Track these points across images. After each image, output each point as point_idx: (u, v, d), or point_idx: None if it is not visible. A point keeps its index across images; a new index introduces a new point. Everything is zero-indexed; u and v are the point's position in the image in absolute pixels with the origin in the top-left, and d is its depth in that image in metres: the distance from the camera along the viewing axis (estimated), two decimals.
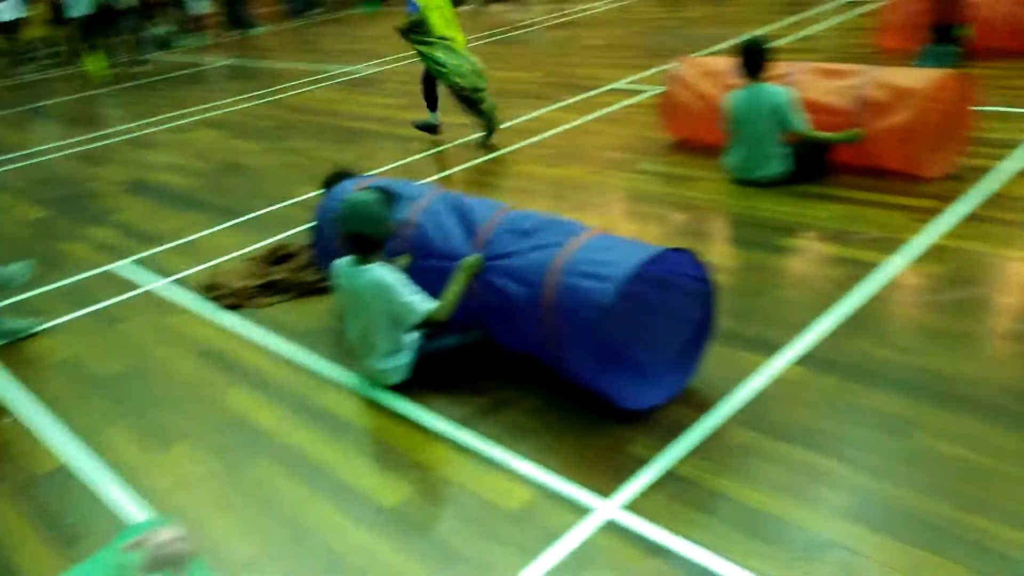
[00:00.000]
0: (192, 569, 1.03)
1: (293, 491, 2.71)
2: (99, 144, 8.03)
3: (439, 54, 6.09)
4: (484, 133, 6.37)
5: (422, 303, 3.02)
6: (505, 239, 3.11)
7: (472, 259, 3.08)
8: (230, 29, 15.53)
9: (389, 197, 3.11)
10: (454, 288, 3.06)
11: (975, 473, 2.43)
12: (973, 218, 4.09)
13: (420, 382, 3.18)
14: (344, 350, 3.46)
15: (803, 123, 4.64)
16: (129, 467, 2.94)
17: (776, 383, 2.98)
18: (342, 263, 3.16)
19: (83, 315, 4.23)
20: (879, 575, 2.13)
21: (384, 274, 3.02)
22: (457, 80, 6.10)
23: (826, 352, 3.13)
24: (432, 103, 6.64)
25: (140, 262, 4.84)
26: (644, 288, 3.12)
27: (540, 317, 2.86)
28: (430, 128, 6.67)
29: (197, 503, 2.71)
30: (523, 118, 7.05)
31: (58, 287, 4.62)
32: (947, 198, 4.35)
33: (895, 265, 3.71)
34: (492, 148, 6.29)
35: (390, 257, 3.22)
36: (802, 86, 4.92)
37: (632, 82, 7.86)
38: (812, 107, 4.80)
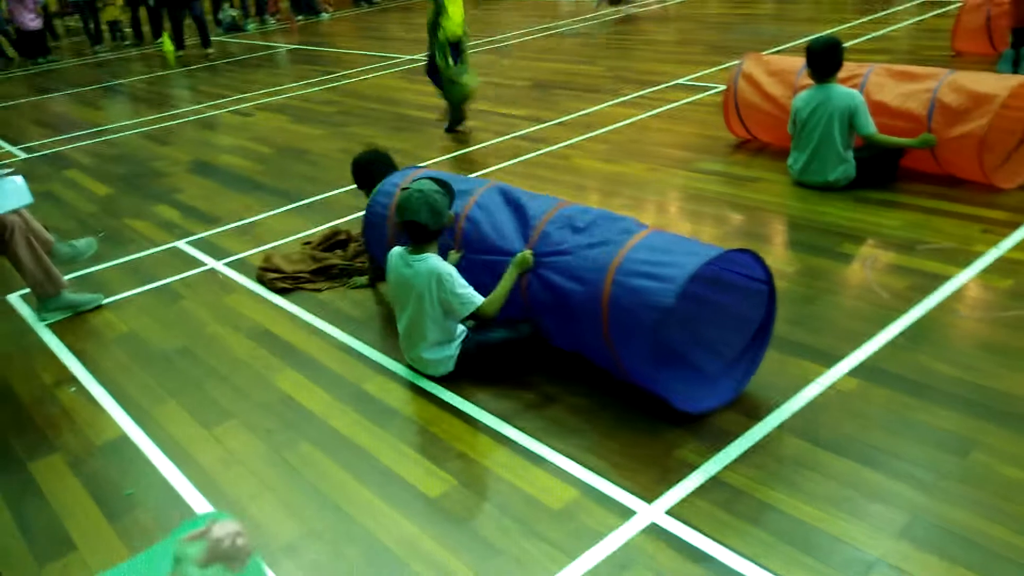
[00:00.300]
0: (249, 565, 1.05)
1: (337, 475, 2.75)
2: (166, 124, 8.25)
3: (453, 71, 6.53)
4: (449, 121, 6.81)
5: (472, 296, 3.03)
6: (560, 235, 3.09)
7: (523, 255, 3.08)
8: (296, 14, 15.77)
9: (448, 188, 3.12)
10: (504, 283, 3.06)
11: None
12: None
13: (467, 375, 3.19)
14: (393, 339, 3.49)
15: (873, 127, 4.50)
16: (179, 442, 3.02)
17: (830, 393, 2.90)
18: (396, 252, 3.18)
19: (144, 291, 4.36)
20: None
21: (438, 264, 3.03)
22: (460, 97, 6.63)
23: (883, 364, 3.04)
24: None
25: (201, 241, 4.96)
26: (704, 289, 3.08)
27: (596, 315, 2.83)
28: (456, 122, 6.89)
29: (242, 481, 2.77)
30: (581, 112, 7.00)
31: (121, 263, 4.77)
32: (1022, 211, 4.17)
33: (960, 277, 3.58)
34: (458, 133, 6.70)
35: (443, 251, 3.23)
36: (873, 88, 4.77)
37: (696, 79, 7.74)
38: (883, 110, 4.65)
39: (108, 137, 7.94)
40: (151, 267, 4.66)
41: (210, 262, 4.64)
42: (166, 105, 9.23)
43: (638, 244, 2.85)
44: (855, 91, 4.55)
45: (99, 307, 4.20)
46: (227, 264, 4.58)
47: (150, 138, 7.74)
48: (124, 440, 3.07)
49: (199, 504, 2.68)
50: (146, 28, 14.76)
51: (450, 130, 6.81)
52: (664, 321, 2.65)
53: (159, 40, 13.37)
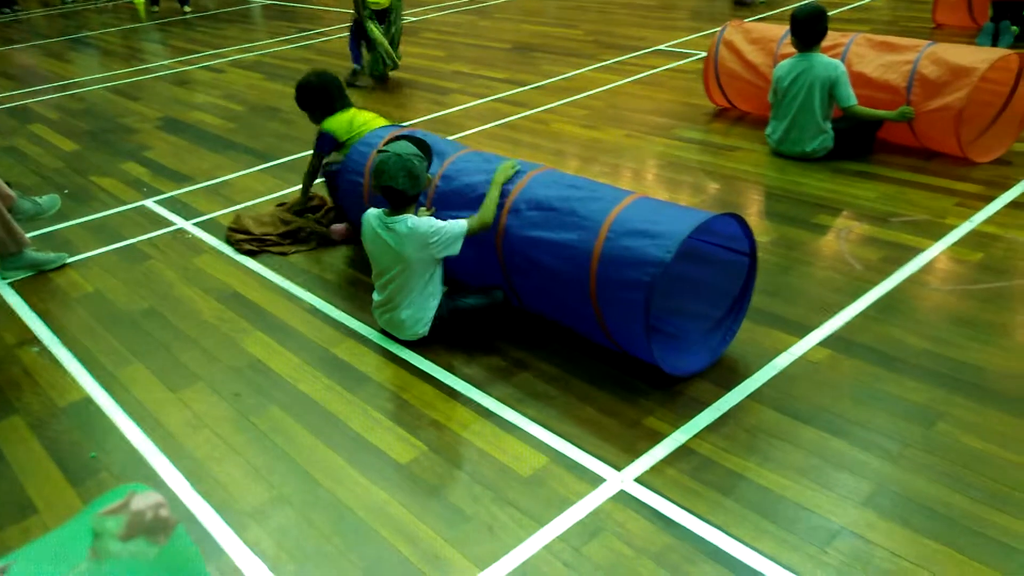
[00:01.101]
0: (173, 536, 1.01)
1: (306, 440, 2.72)
2: (136, 79, 8.03)
3: (379, 33, 6.94)
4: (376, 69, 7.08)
5: (458, 227, 3.01)
6: (545, 191, 3.03)
7: (506, 165, 3.09)
8: None
9: (426, 149, 3.08)
10: (491, 195, 3.07)
11: (998, 468, 2.37)
12: (1015, 206, 3.95)
13: (440, 340, 3.17)
14: (364, 302, 3.45)
15: (854, 99, 4.48)
16: (144, 405, 2.97)
17: (801, 363, 2.92)
18: (372, 215, 3.13)
19: (110, 251, 4.26)
20: (890, 564, 2.09)
21: (417, 223, 2.99)
22: (381, 62, 7.02)
23: (854, 335, 3.05)
24: (356, 58, 7.18)
25: (170, 200, 4.86)
26: (681, 265, 3.06)
27: (583, 274, 2.78)
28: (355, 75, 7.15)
29: (208, 445, 2.73)
30: (561, 76, 6.91)
31: (87, 221, 4.65)
32: (996, 184, 4.20)
33: (933, 250, 3.60)
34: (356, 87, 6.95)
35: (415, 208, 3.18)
36: (854, 59, 4.74)
37: (677, 45, 7.66)
38: (864, 82, 4.64)
39: (75, 91, 7.71)
40: (118, 226, 4.56)
41: (179, 222, 4.54)
42: (136, 60, 8.98)
43: (631, 204, 2.81)
44: (837, 61, 4.52)
45: (63, 266, 4.10)
46: (196, 224, 4.49)
47: (119, 93, 7.54)
48: (88, 402, 3.02)
49: (164, 467, 2.64)
50: None
51: (351, 84, 6.99)
52: (662, 277, 2.61)
53: None
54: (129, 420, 2.89)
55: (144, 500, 1.00)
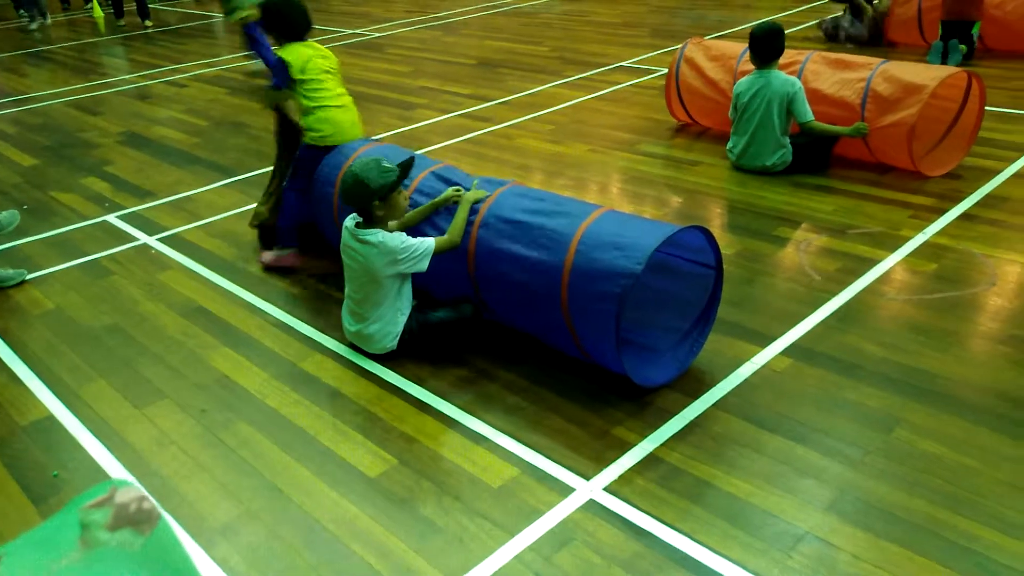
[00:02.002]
0: (157, 527, 1.04)
1: (274, 455, 2.71)
2: (96, 94, 7.93)
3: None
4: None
5: (425, 247, 3.02)
6: (514, 202, 3.07)
7: (470, 194, 3.13)
8: None
9: (403, 167, 3.08)
10: (460, 214, 3.10)
11: (954, 472, 2.44)
12: (966, 217, 4.09)
13: (408, 354, 3.18)
14: (332, 316, 3.45)
15: (810, 115, 4.61)
16: (108, 422, 2.93)
17: (764, 372, 2.98)
18: (347, 223, 3.13)
19: (72, 266, 4.20)
20: (852, 568, 2.14)
21: (387, 237, 3.00)
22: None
23: (815, 344, 3.13)
24: None
25: (133, 216, 4.80)
26: (650, 278, 3.11)
27: (555, 287, 2.80)
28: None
29: (174, 462, 2.71)
30: (525, 92, 6.98)
31: (47, 237, 4.58)
32: (948, 197, 4.34)
33: (889, 261, 3.71)
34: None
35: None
36: (810, 76, 4.88)
37: (640, 61, 7.79)
38: (819, 98, 4.77)
39: (33, 106, 7.59)
40: (79, 242, 4.49)
41: (143, 237, 4.49)
42: (95, 74, 8.86)
43: (600, 217, 2.85)
44: (794, 79, 4.64)
45: (23, 283, 4.03)
46: (160, 239, 4.45)
47: (79, 108, 7.43)
48: (50, 420, 2.97)
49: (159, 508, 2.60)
50: None
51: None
52: (632, 289, 2.65)
53: (88, 5, 12.83)
54: (93, 438, 2.85)
55: (127, 494, 1.03)
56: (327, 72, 3.91)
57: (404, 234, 3.05)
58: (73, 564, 0.95)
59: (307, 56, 3.85)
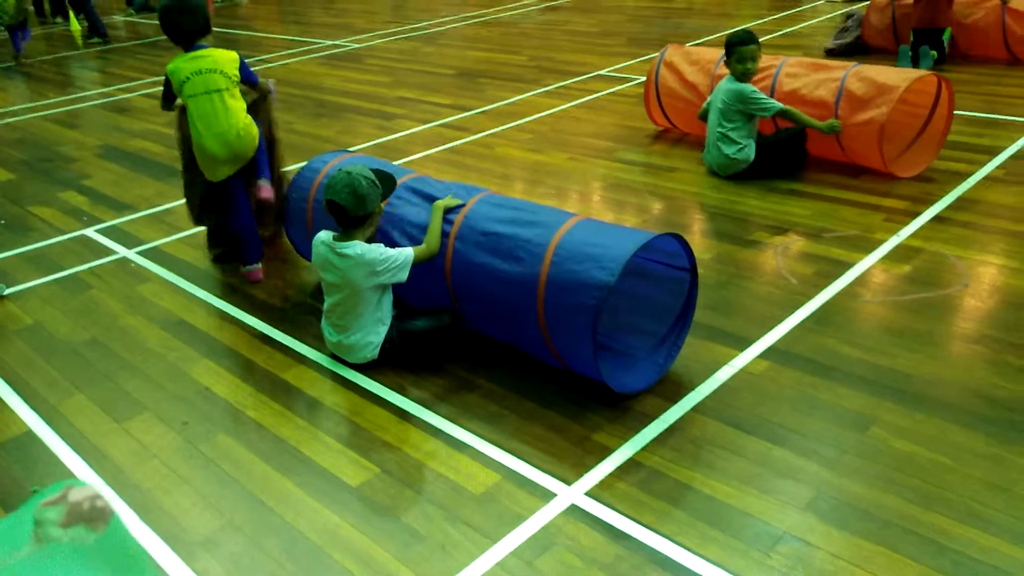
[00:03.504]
0: (110, 525, 1.08)
1: (256, 467, 2.71)
2: (73, 107, 7.89)
3: None
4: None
5: (404, 258, 3.03)
6: (488, 212, 3.09)
7: (442, 201, 3.14)
8: None
9: (387, 180, 3.10)
10: (435, 222, 3.10)
11: (930, 470, 2.48)
12: (938, 220, 4.16)
13: (389, 363, 3.19)
14: (312, 327, 3.45)
15: (776, 105, 4.67)
16: (88, 436, 2.91)
17: (742, 376, 3.01)
18: (322, 238, 3.14)
19: (50, 281, 4.17)
20: (830, 566, 2.17)
21: (366, 249, 3.01)
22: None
23: (791, 346, 3.17)
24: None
25: (111, 229, 4.78)
26: (627, 282, 3.14)
27: (531, 298, 2.82)
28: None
29: (155, 475, 2.70)
30: (504, 101, 7.02)
31: (24, 252, 4.55)
32: (921, 200, 4.41)
33: (863, 264, 3.77)
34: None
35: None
36: (787, 78, 4.96)
37: (618, 70, 7.85)
38: (795, 98, 4.86)
39: (8, 120, 7.54)
40: (57, 256, 4.47)
41: (121, 251, 4.47)
42: (72, 88, 8.82)
43: (574, 227, 2.88)
44: (741, 86, 4.71)
45: (1, 298, 4.00)
46: (140, 253, 4.43)
47: (55, 122, 7.39)
48: (29, 436, 2.95)
49: (109, 498, 2.59)
50: (58, 6, 14.03)
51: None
52: (606, 300, 2.68)
53: (56, 19, 12.77)
54: (72, 453, 2.83)
55: (81, 492, 1.07)
56: (201, 71, 3.70)
57: (382, 245, 3.06)
58: (26, 559, 0.98)
59: (189, 64, 3.71)
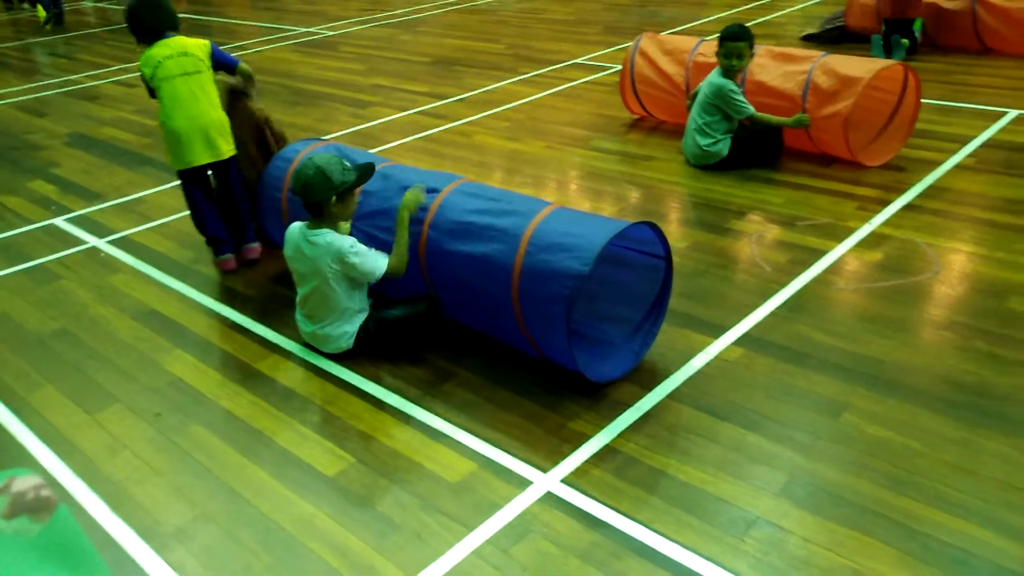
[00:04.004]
0: (55, 515, 1.06)
1: (230, 458, 2.68)
2: (41, 94, 7.74)
3: None
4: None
5: (376, 260, 2.99)
6: (463, 202, 3.07)
7: (410, 193, 3.04)
8: None
9: (363, 169, 3.05)
10: (400, 233, 3.03)
11: (900, 455, 2.52)
12: (910, 208, 4.21)
13: (366, 352, 3.17)
14: (286, 317, 3.42)
15: (749, 109, 4.71)
16: (58, 428, 2.87)
17: (716, 363, 3.03)
18: (296, 227, 3.11)
19: (18, 271, 4.10)
20: (803, 551, 2.20)
21: (336, 239, 2.98)
22: None
23: (766, 334, 3.19)
24: None
25: (81, 219, 4.70)
26: (603, 269, 3.14)
27: (506, 287, 2.82)
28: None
29: (127, 467, 2.67)
30: (481, 90, 6.99)
31: None
32: (891, 188, 4.45)
33: (837, 251, 3.80)
34: None
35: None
36: (756, 69, 4.98)
37: (594, 58, 7.84)
38: (764, 90, 4.88)
39: None
40: (25, 246, 4.38)
41: (91, 240, 4.40)
42: (41, 74, 8.65)
43: (548, 216, 2.87)
44: (723, 82, 4.72)
45: None
46: (110, 242, 4.36)
47: (23, 109, 7.25)
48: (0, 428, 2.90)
49: (81, 492, 2.56)
50: None
51: None
52: (581, 290, 2.68)
53: (23, 4, 12.51)
54: (42, 445, 2.79)
55: (25, 482, 1.05)
56: (174, 55, 3.64)
57: (355, 239, 3.03)
58: None
59: (156, 53, 3.67)
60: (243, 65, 3.92)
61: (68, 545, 1.05)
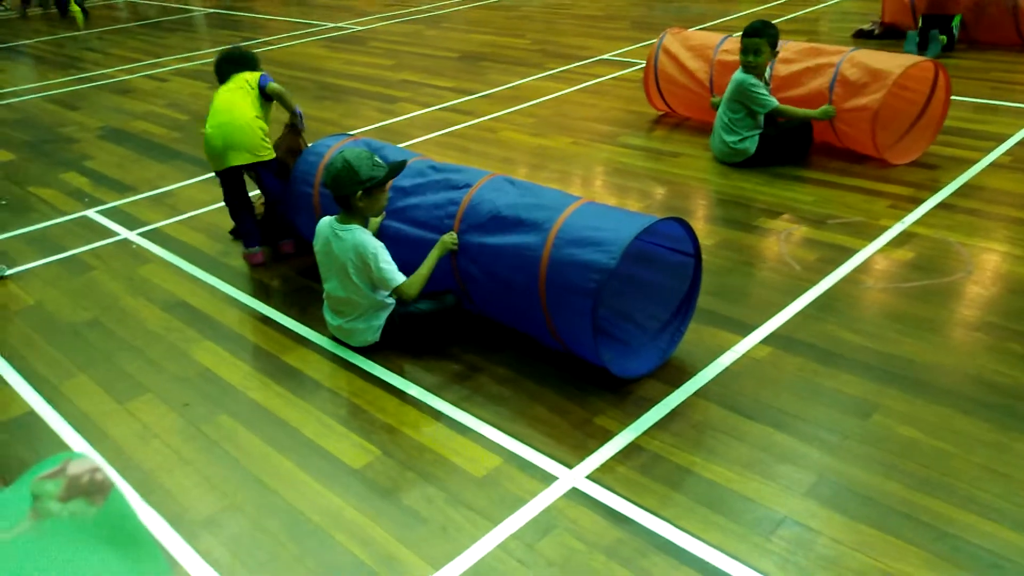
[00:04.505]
0: (110, 498, 1.06)
1: (258, 448, 2.71)
2: (75, 88, 7.85)
3: None
4: None
5: (394, 275, 3.01)
6: (494, 197, 3.06)
7: (446, 238, 3.06)
8: None
9: (394, 166, 3.07)
10: (426, 265, 3.06)
11: (931, 456, 2.48)
12: (943, 207, 4.14)
13: (392, 346, 3.18)
14: (314, 309, 3.45)
15: (773, 102, 4.65)
16: (90, 417, 2.92)
17: (744, 361, 3.01)
18: (326, 221, 3.13)
19: (51, 262, 4.17)
20: (831, 551, 2.17)
21: (364, 238, 3.00)
22: None
23: (794, 332, 3.16)
24: None
25: (113, 211, 4.77)
26: (630, 266, 3.13)
27: (533, 281, 2.82)
28: None
29: (157, 455, 2.70)
30: (508, 85, 6.98)
31: (26, 232, 4.54)
32: (924, 187, 4.39)
33: (867, 250, 3.75)
34: None
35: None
36: (782, 63, 4.93)
37: (620, 54, 7.80)
38: (791, 82, 4.84)
39: (10, 101, 7.51)
40: (59, 237, 4.46)
41: (123, 232, 4.46)
42: (74, 68, 8.78)
43: (577, 210, 2.87)
44: (746, 76, 4.67)
45: (2, 279, 4.00)
46: (141, 234, 4.42)
47: (56, 103, 7.36)
48: (31, 416, 2.95)
49: (112, 479, 2.60)
50: None
51: None
52: (607, 284, 2.67)
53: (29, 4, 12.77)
54: (75, 433, 2.84)
55: (80, 465, 1.04)
56: (224, 103, 3.87)
57: (384, 248, 3.04)
58: (23, 533, 0.95)
59: (217, 98, 3.92)
60: (272, 85, 3.98)
61: (123, 529, 1.05)
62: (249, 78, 3.97)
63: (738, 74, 4.73)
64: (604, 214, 2.86)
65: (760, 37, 4.64)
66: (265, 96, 3.94)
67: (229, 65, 4.03)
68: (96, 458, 2.67)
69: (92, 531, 1.01)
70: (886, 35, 7.52)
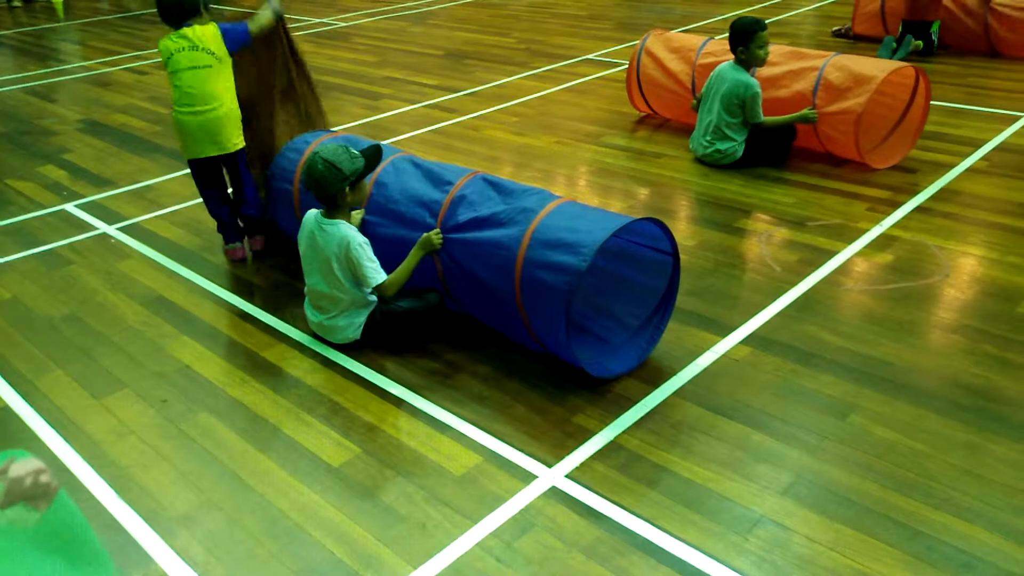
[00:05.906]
0: (55, 503, 0.98)
1: (236, 445, 2.69)
2: (53, 80, 7.76)
3: None
4: None
5: (375, 272, 3.00)
6: (475, 197, 3.06)
7: (428, 236, 3.05)
8: None
9: (370, 156, 3.06)
10: (408, 263, 3.05)
11: (907, 457, 2.51)
12: (921, 210, 4.18)
13: (373, 343, 3.17)
14: (294, 306, 3.43)
15: (760, 116, 4.68)
16: (66, 412, 2.88)
17: (724, 361, 3.03)
18: (312, 214, 3.12)
19: (28, 256, 4.11)
20: (807, 550, 2.19)
21: (349, 232, 2.99)
22: None
23: (774, 333, 3.18)
24: None
25: (92, 205, 4.72)
26: (609, 263, 3.14)
27: (509, 282, 2.83)
28: None
29: (133, 452, 2.68)
30: (492, 84, 6.98)
31: (3, 226, 4.48)
32: (903, 191, 4.43)
33: (846, 252, 3.79)
34: None
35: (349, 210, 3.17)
36: (767, 65, 4.95)
37: (606, 54, 7.82)
38: (774, 85, 4.86)
39: None
40: (36, 231, 4.40)
41: (102, 226, 4.42)
42: (53, 60, 8.67)
43: (553, 211, 2.87)
44: (754, 81, 4.69)
45: None
46: (120, 229, 4.38)
47: (35, 94, 7.27)
48: (5, 412, 2.91)
49: (88, 476, 2.58)
50: None
51: None
52: (579, 286, 2.68)
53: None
54: (50, 429, 2.81)
55: (23, 466, 0.95)
56: (183, 49, 3.62)
57: (368, 244, 3.03)
58: None
59: (171, 42, 3.65)
60: (253, 26, 3.78)
61: (68, 536, 0.96)
62: (212, 43, 3.62)
63: (741, 75, 4.70)
64: (580, 215, 2.86)
65: (753, 34, 4.67)
66: (234, 51, 3.70)
67: (179, 5, 3.64)
68: (71, 454, 2.65)
69: (33, 539, 0.93)
70: (861, 36, 7.62)
